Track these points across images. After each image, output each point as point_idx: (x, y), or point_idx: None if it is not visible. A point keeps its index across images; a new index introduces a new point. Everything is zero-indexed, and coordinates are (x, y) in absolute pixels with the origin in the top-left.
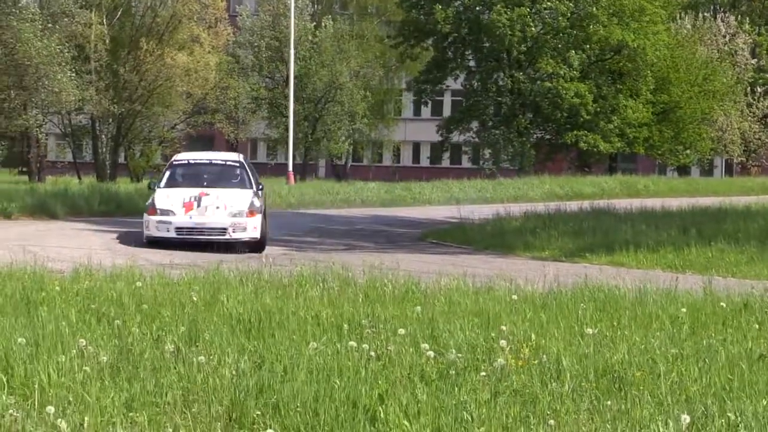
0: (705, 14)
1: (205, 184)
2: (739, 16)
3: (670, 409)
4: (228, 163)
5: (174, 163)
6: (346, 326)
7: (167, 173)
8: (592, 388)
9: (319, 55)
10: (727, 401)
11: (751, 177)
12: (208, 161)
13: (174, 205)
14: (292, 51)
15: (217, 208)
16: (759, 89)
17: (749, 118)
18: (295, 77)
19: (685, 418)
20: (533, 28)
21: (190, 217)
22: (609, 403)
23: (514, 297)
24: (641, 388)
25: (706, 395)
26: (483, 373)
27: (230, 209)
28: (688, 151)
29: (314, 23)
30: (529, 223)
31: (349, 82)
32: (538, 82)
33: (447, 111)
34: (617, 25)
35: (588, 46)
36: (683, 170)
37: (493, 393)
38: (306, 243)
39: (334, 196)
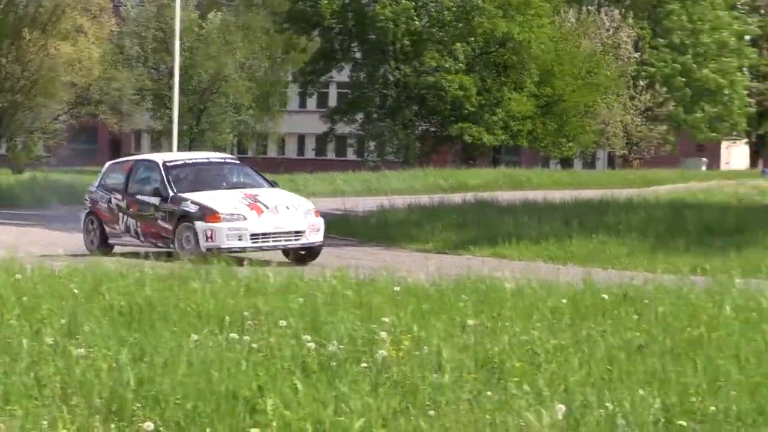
0: (589, 8)
1: (224, 185)
2: (623, 9)
3: (548, 400)
4: (227, 161)
5: (168, 164)
6: (227, 318)
7: (168, 177)
8: (473, 379)
9: (205, 46)
10: (606, 392)
11: (632, 169)
12: (206, 160)
13: (238, 208)
14: (177, 42)
15: (287, 208)
16: (641, 82)
17: (631, 111)
18: (181, 69)
19: (562, 408)
20: (418, 22)
21: (266, 221)
22: (489, 393)
23: (397, 289)
24: (521, 378)
25: (585, 386)
26: (364, 365)
27: (301, 209)
28: (571, 144)
29: (199, 13)
30: (413, 216)
31: (234, 74)
32: (423, 74)
33: (333, 103)
34: (502, 18)
35: (473, 38)
36: (566, 163)
37: (374, 384)
38: None
39: None
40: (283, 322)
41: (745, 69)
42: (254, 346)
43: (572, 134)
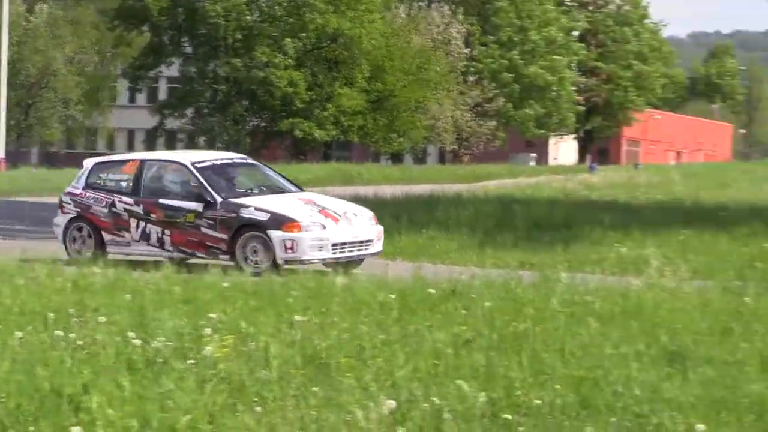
0: (420, 3)
1: (263, 189)
2: (453, 6)
3: (375, 395)
4: (248, 161)
5: (199, 166)
6: (52, 315)
7: (206, 180)
8: (300, 374)
9: (33, 40)
10: (432, 386)
11: (462, 165)
12: (230, 160)
13: (313, 216)
14: (5, 36)
15: (355, 215)
16: (471, 78)
17: (461, 106)
18: (8, 63)
19: (390, 403)
20: (249, 17)
21: (344, 230)
22: (316, 389)
23: (226, 285)
24: (348, 374)
25: (411, 380)
26: (190, 361)
27: (365, 216)
28: (401, 139)
29: (26, 7)
30: None
31: (63, 69)
32: (254, 70)
33: (163, 98)
34: (334, 14)
35: (305, 34)
36: (397, 158)
37: (200, 381)
38: (16, 231)
39: (47, 183)
40: (103, 319)
41: (573, 65)
42: (79, 343)
43: (403, 129)
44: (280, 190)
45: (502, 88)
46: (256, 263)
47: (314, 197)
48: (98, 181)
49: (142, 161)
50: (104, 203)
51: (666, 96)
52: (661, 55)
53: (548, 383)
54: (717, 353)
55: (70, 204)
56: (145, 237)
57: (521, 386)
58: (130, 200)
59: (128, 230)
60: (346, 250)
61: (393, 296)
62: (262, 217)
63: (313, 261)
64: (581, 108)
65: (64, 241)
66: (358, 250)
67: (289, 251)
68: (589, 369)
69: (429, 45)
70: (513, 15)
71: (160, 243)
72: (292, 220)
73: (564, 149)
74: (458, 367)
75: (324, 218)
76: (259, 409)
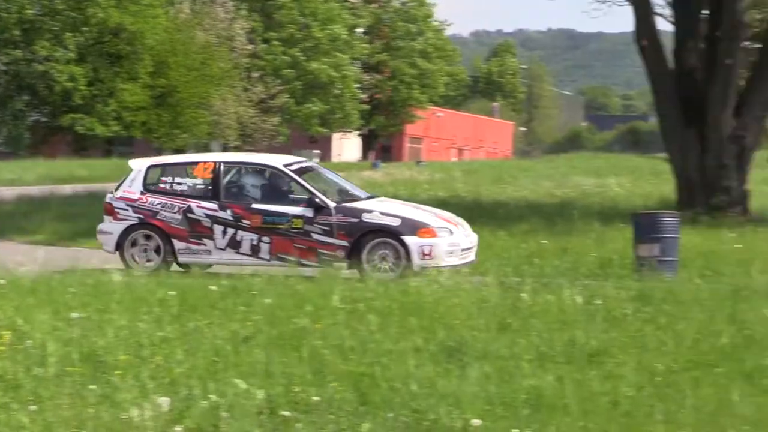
0: None
1: (349, 190)
2: (237, 2)
3: (153, 392)
4: (312, 164)
5: (294, 169)
6: None
7: (309, 184)
8: (77, 372)
9: None
10: (211, 383)
11: None
12: (305, 164)
13: (438, 222)
14: None
15: (459, 220)
16: (255, 74)
17: (245, 102)
18: None
19: (166, 401)
20: (30, 10)
21: (464, 235)
22: (93, 387)
23: (2, 282)
24: (126, 371)
25: (190, 378)
26: None
27: (464, 221)
28: (185, 135)
29: None
30: (22, 207)
31: None
32: (34, 64)
33: None
34: (115, 8)
35: (86, 28)
36: (180, 154)
37: None
38: None
39: None
40: None
41: (357, 62)
42: None
43: (186, 125)
44: (365, 195)
45: (285, 84)
46: (385, 270)
47: (412, 203)
48: (162, 185)
49: (218, 163)
50: (176, 209)
51: (448, 94)
52: (445, 53)
53: (327, 379)
54: (494, 348)
55: (127, 210)
56: (234, 244)
57: (300, 382)
58: (212, 205)
59: (210, 237)
60: (465, 255)
61: (173, 293)
62: (394, 222)
63: (447, 267)
64: (365, 105)
65: (121, 251)
66: (468, 254)
67: (427, 257)
68: (367, 365)
69: (213, 41)
70: (296, 12)
71: (254, 251)
72: (426, 225)
73: (348, 146)
74: (237, 364)
75: (447, 224)
76: (34, 407)
